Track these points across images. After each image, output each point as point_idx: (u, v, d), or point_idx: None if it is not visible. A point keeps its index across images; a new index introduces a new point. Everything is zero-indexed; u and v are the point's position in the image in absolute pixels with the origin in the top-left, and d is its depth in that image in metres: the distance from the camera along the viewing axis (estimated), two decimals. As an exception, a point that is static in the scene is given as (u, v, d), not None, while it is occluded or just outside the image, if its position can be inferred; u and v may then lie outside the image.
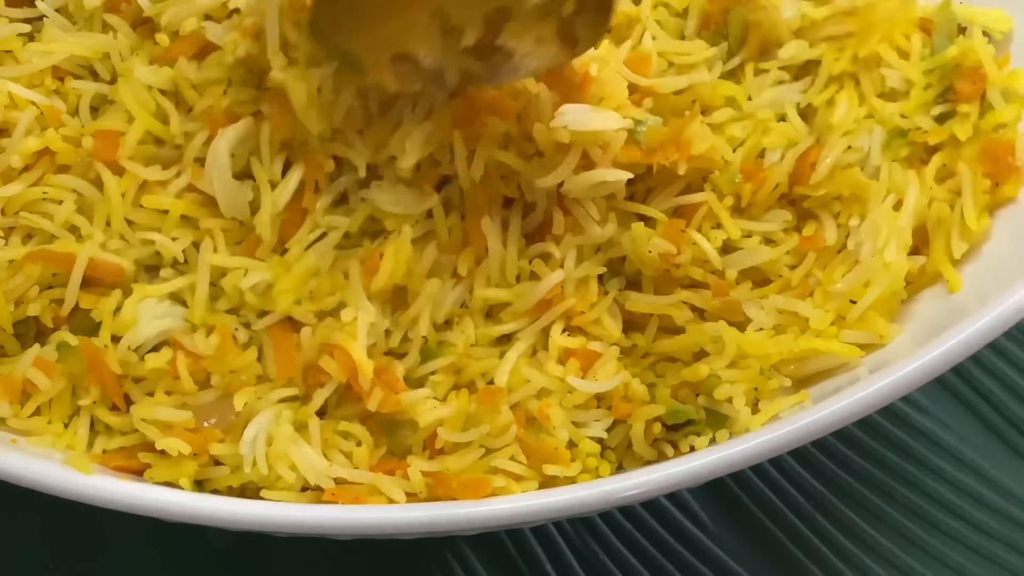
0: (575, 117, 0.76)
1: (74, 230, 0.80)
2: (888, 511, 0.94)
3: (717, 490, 0.94)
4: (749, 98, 0.83)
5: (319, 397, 0.76)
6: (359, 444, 0.76)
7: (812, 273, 0.80)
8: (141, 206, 0.80)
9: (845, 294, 0.78)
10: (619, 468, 0.78)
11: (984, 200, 0.80)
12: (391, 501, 0.74)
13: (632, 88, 0.81)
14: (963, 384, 0.99)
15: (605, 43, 0.80)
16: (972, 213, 0.80)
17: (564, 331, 0.79)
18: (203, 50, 0.80)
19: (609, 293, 0.80)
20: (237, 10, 0.79)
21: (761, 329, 0.79)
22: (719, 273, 0.80)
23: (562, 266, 0.79)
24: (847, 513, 0.93)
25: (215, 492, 0.76)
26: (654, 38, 0.84)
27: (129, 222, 0.79)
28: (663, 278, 0.80)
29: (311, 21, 0.75)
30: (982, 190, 0.80)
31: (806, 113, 0.84)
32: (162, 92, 0.80)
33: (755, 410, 0.77)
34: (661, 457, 0.77)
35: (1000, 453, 0.97)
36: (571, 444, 0.77)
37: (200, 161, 0.79)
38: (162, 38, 0.80)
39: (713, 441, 0.76)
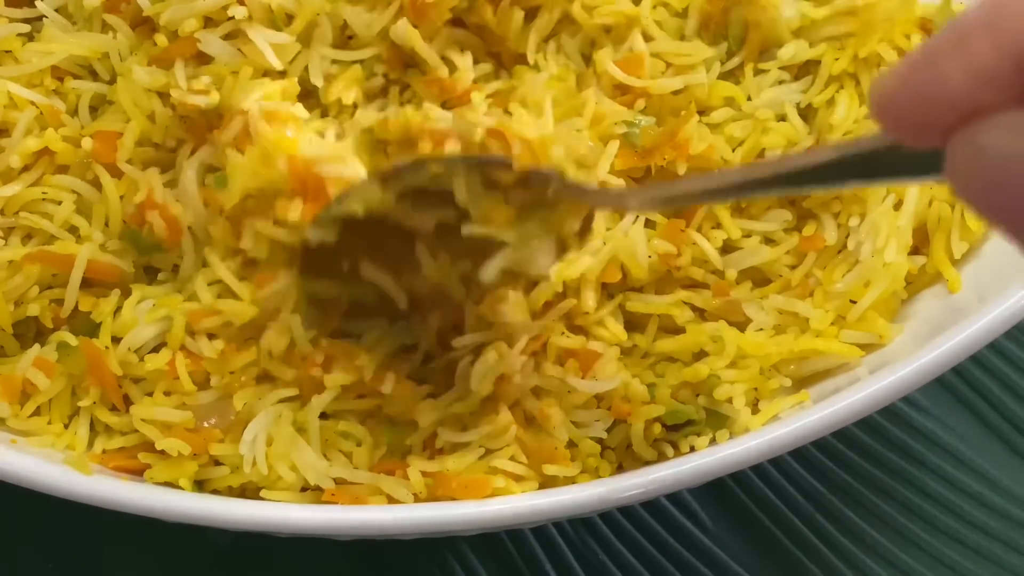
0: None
1: (73, 230, 0.80)
2: (888, 511, 0.94)
3: (717, 490, 0.94)
4: (749, 98, 0.83)
5: (318, 402, 0.76)
6: (359, 444, 0.76)
7: (812, 273, 0.80)
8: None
9: (845, 294, 0.78)
10: (619, 468, 0.78)
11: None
12: (392, 501, 0.74)
13: (625, 89, 0.81)
14: (963, 384, 0.99)
15: None
16: (973, 213, 0.80)
17: (562, 333, 0.78)
18: (201, 52, 0.79)
19: (615, 297, 0.80)
20: (232, 18, 0.79)
21: (761, 329, 0.79)
22: (719, 273, 0.80)
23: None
24: (847, 513, 0.93)
25: (215, 492, 0.76)
26: (650, 40, 0.83)
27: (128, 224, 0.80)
28: (663, 278, 0.80)
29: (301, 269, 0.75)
30: None
31: (806, 113, 0.84)
32: (160, 94, 0.80)
33: (755, 410, 0.77)
34: (661, 457, 0.77)
35: (1000, 453, 0.96)
36: (571, 444, 0.77)
37: None
38: (160, 39, 0.80)
39: (713, 441, 0.76)
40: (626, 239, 0.78)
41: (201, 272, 0.78)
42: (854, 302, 0.78)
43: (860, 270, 0.78)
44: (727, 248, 0.81)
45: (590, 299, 0.78)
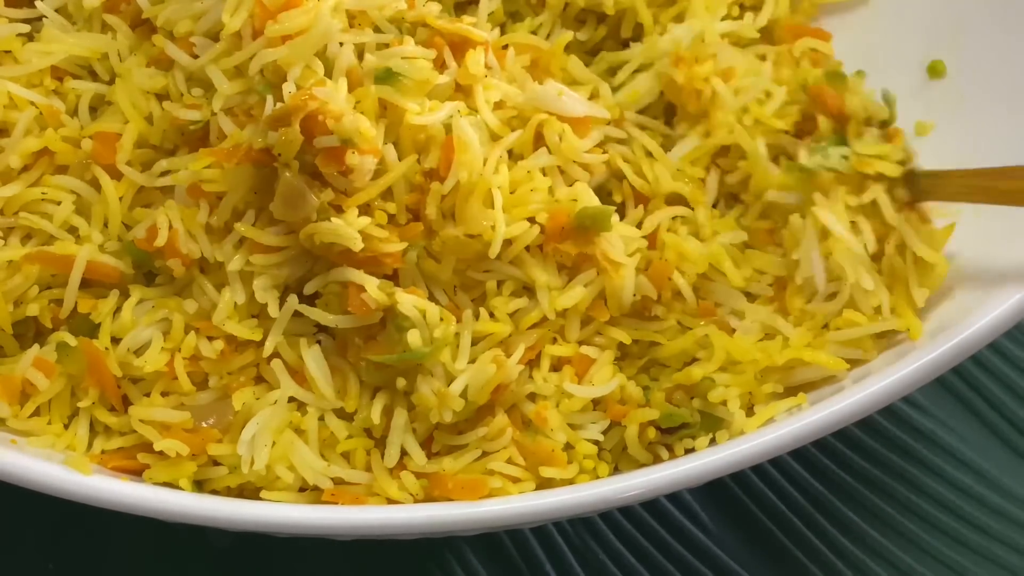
0: None
1: (73, 231, 0.80)
2: (888, 511, 0.94)
3: (717, 490, 0.94)
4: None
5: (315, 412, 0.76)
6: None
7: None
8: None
9: (824, 313, 0.79)
10: (615, 471, 0.78)
11: (933, 235, 0.80)
12: (390, 501, 0.74)
13: None
14: (963, 384, 0.98)
15: None
16: (925, 252, 0.79)
17: (554, 341, 0.79)
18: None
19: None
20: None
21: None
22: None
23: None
24: (847, 513, 0.93)
25: (214, 492, 0.76)
26: None
27: (127, 226, 0.80)
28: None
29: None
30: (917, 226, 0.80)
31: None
32: (160, 96, 0.80)
33: (750, 414, 0.77)
34: (656, 460, 0.77)
35: (1000, 453, 0.96)
36: (568, 447, 0.77)
37: None
38: (159, 39, 0.80)
39: (713, 442, 0.76)
40: (617, 276, 0.78)
41: (198, 280, 0.78)
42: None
43: (841, 297, 0.78)
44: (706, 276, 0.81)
45: (575, 331, 0.79)
